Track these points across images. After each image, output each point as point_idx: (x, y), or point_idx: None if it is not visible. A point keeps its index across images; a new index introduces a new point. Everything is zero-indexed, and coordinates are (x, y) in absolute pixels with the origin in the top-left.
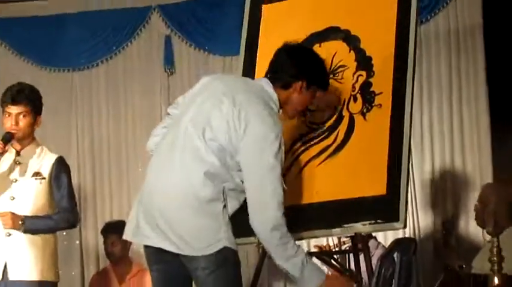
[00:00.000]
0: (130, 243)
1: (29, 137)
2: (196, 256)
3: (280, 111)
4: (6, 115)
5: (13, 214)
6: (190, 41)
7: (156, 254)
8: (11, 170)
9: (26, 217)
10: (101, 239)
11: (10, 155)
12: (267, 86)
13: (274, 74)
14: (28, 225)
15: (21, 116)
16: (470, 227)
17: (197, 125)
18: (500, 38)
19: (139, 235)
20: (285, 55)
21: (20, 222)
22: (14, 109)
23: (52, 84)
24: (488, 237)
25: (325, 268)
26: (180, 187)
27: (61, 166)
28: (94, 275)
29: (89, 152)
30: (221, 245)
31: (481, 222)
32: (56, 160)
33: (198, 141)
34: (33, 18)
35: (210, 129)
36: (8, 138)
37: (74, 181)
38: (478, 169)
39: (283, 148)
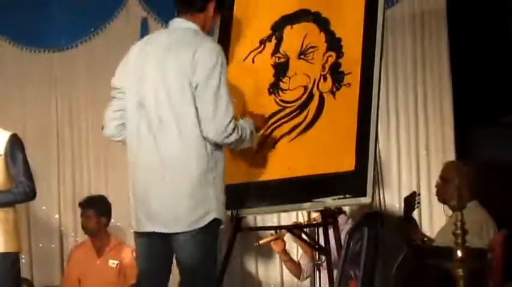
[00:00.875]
0: (109, 218)
1: None
2: (186, 231)
3: None
4: None
5: None
6: (165, 23)
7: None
8: None
9: None
10: (79, 212)
11: None
12: (184, 23)
13: (187, 4)
14: None
15: None
16: (433, 203)
17: (163, 99)
18: (463, 21)
19: (138, 224)
20: None
21: None
22: None
23: (33, 64)
24: (449, 212)
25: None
26: (169, 160)
27: (15, 143)
28: (73, 248)
29: (69, 130)
30: (211, 217)
31: (441, 198)
32: (9, 137)
33: (172, 116)
34: None
35: (173, 99)
36: None
37: (54, 157)
38: (441, 148)
39: (224, 62)
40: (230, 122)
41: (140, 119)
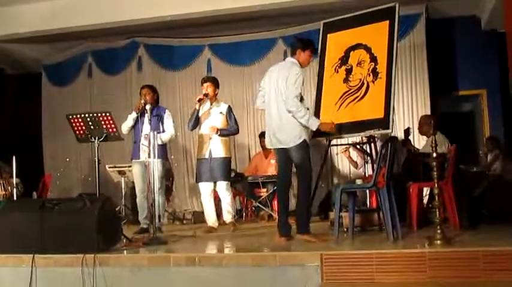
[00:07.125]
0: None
1: (213, 98)
2: (292, 146)
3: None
4: (203, 88)
5: (214, 127)
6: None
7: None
8: (210, 111)
9: (219, 128)
10: (257, 139)
11: (209, 106)
12: (290, 59)
13: (291, 51)
14: (220, 132)
15: (208, 89)
16: (417, 133)
17: (277, 91)
18: (436, 50)
19: (270, 144)
20: (294, 42)
21: (217, 131)
22: (204, 85)
23: (231, 72)
24: (425, 138)
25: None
26: (281, 117)
27: (230, 109)
28: (254, 155)
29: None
30: (302, 138)
31: (421, 132)
32: (227, 106)
33: (280, 98)
34: None
35: (280, 91)
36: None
37: (249, 115)
38: (422, 107)
39: (301, 79)
40: (292, 104)
41: (269, 99)
